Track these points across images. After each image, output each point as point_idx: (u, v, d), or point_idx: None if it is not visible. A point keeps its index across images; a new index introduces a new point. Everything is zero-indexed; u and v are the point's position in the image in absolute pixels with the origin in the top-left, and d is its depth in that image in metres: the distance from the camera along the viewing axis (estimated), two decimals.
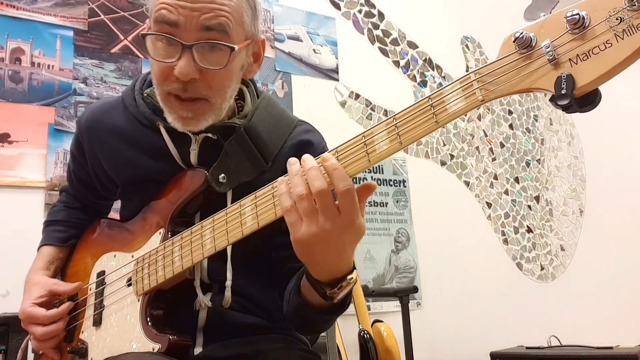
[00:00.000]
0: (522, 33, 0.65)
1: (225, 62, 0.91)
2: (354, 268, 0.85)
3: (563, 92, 0.61)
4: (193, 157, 1.03)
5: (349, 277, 0.83)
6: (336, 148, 0.78)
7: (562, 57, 0.62)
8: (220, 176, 0.98)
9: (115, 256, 1.10)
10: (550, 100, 0.64)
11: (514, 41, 0.65)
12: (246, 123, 1.03)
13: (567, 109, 0.62)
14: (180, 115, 0.95)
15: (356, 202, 0.75)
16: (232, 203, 0.94)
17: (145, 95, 1.06)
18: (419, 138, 0.72)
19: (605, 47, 0.59)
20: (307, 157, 0.78)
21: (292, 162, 0.79)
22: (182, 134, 1.01)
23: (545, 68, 0.63)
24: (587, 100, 0.62)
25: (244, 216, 0.86)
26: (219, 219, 0.90)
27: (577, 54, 0.61)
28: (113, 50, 2.30)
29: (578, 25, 0.61)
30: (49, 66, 2.16)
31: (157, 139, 1.03)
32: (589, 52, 0.61)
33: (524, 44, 0.65)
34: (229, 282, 1.00)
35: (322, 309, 0.88)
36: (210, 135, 1.01)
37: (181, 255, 0.95)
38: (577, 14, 0.61)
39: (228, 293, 1.00)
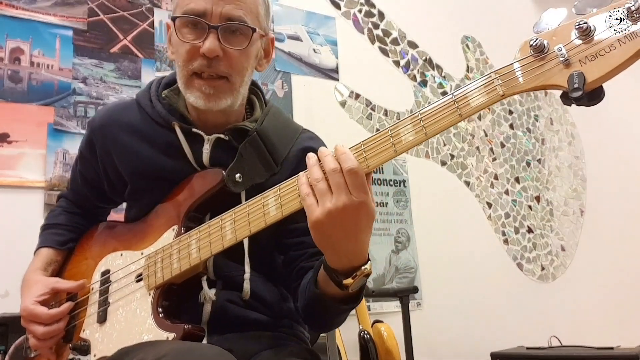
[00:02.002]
0: (536, 39, 0.76)
1: (245, 44, 1.02)
2: (369, 260, 0.89)
3: (576, 86, 0.71)
4: (205, 157, 1.06)
5: (364, 267, 0.87)
6: (362, 142, 0.85)
7: (573, 58, 0.73)
8: (236, 176, 1.03)
9: (121, 255, 1.11)
10: (562, 96, 0.75)
11: (530, 46, 0.76)
12: (258, 127, 1.09)
13: (578, 101, 0.73)
14: (203, 92, 1.01)
15: (363, 181, 0.82)
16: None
17: (163, 96, 1.10)
18: (444, 129, 0.81)
19: (610, 50, 0.71)
20: (323, 149, 0.86)
21: (311, 156, 0.86)
22: (196, 134, 1.06)
23: (558, 67, 0.74)
24: (594, 95, 0.73)
25: (267, 207, 0.91)
26: (240, 211, 0.94)
27: (586, 56, 0.73)
28: (112, 50, 2.29)
29: (586, 33, 0.72)
30: (48, 66, 2.15)
31: (172, 138, 1.08)
32: (596, 54, 0.72)
33: (538, 49, 0.75)
34: (247, 275, 1.04)
35: (337, 299, 0.92)
36: (222, 136, 1.06)
37: (199, 247, 0.97)
38: (585, 22, 0.72)
39: (247, 285, 1.03)
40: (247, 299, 1.03)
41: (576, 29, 0.73)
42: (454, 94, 0.80)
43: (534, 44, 0.75)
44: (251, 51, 1.05)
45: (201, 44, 0.99)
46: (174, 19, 1.02)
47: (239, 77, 1.04)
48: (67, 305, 1.10)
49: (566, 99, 0.73)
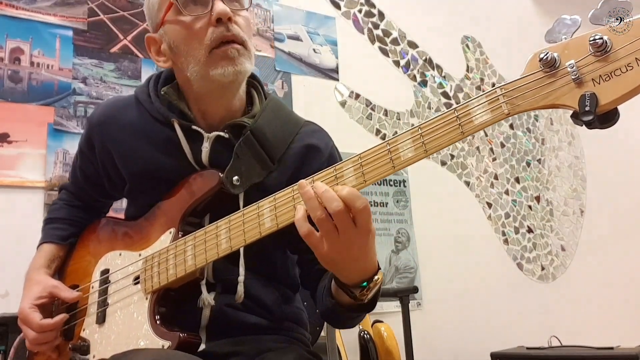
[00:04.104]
0: (547, 53, 0.69)
1: (247, 4, 1.06)
2: (379, 268, 0.89)
3: (587, 109, 0.65)
4: (204, 155, 1.04)
5: (375, 277, 0.87)
6: (359, 154, 0.82)
7: (585, 76, 0.67)
8: (234, 178, 1.01)
9: (120, 255, 1.10)
10: (572, 116, 0.69)
11: (539, 60, 0.70)
12: (253, 124, 1.06)
13: (590, 124, 0.67)
14: (229, 56, 0.99)
15: (370, 214, 0.80)
16: (244, 204, 0.98)
17: (162, 93, 1.08)
18: (445, 147, 0.76)
19: (627, 70, 0.64)
20: (317, 184, 0.82)
21: (304, 186, 0.82)
22: (195, 131, 1.04)
23: (569, 86, 0.68)
24: (607, 118, 0.67)
25: (262, 217, 0.88)
26: (236, 220, 0.92)
27: (600, 75, 0.66)
28: (112, 50, 2.29)
29: (601, 49, 0.65)
30: (48, 66, 2.15)
31: (170, 135, 1.06)
32: (611, 73, 0.65)
33: (549, 64, 0.69)
34: (241, 278, 1.01)
35: (353, 309, 0.92)
36: (222, 134, 1.04)
37: (194, 254, 0.96)
38: (601, 37, 0.65)
39: (241, 288, 1.01)
40: (240, 302, 1.01)
41: (591, 43, 0.66)
42: (457, 108, 0.75)
43: (544, 58, 0.69)
44: (249, 18, 1.07)
45: (210, 14, 0.99)
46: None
47: (249, 42, 1.03)
48: (59, 318, 1.09)
49: (577, 119, 0.67)
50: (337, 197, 0.78)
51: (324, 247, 0.81)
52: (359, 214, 0.78)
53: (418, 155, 0.77)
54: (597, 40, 0.65)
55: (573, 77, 0.67)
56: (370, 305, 0.92)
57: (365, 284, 0.87)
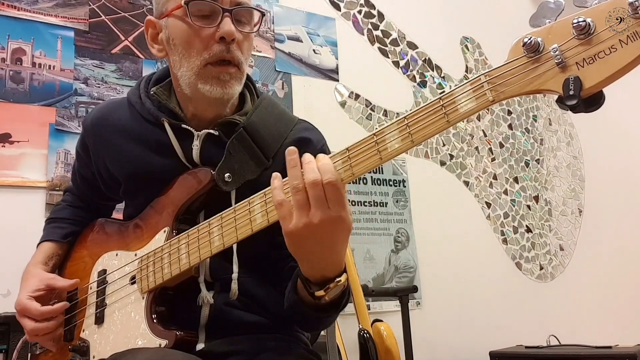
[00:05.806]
0: (530, 38, 0.68)
1: (256, 27, 1.04)
2: (345, 272, 0.87)
3: (571, 93, 0.64)
4: (195, 153, 1.05)
5: (337, 279, 0.86)
6: (347, 147, 0.81)
7: (569, 60, 0.66)
8: (226, 175, 1.01)
9: (117, 255, 1.10)
10: (557, 101, 0.67)
11: (522, 45, 0.69)
12: (246, 121, 1.06)
13: (574, 109, 0.66)
14: (219, 79, 1.00)
15: (342, 196, 0.79)
16: (236, 201, 0.97)
17: (152, 93, 1.09)
18: (431, 136, 0.76)
19: (610, 52, 0.63)
20: (305, 154, 0.83)
21: (292, 158, 0.81)
22: (185, 130, 1.04)
23: (553, 71, 0.67)
24: (592, 101, 0.66)
25: (253, 213, 0.88)
26: (227, 216, 0.92)
27: (584, 58, 0.65)
28: (114, 51, 2.30)
29: (584, 32, 0.65)
30: (49, 67, 2.16)
31: (161, 135, 1.06)
32: (594, 56, 0.64)
33: (532, 48, 0.68)
34: (235, 275, 1.01)
35: (315, 307, 0.90)
36: (212, 131, 1.04)
37: (188, 252, 0.96)
38: (584, 20, 0.64)
39: (235, 285, 1.01)
40: (235, 299, 1.01)
41: (574, 26, 0.65)
42: (442, 97, 0.74)
43: (528, 43, 0.68)
44: (253, 38, 1.06)
45: (217, 29, 0.98)
46: (187, 3, 0.98)
47: (245, 64, 1.03)
48: (60, 305, 1.10)
49: (562, 103, 0.66)
50: (316, 169, 0.79)
51: (292, 221, 0.80)
52: (327, 187, 0.78)
53: (405, 146, 0.77)
54: (580, 23, 0.64)
55: (557, 61, 0.66)
56: (335, 307, 0.91)
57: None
